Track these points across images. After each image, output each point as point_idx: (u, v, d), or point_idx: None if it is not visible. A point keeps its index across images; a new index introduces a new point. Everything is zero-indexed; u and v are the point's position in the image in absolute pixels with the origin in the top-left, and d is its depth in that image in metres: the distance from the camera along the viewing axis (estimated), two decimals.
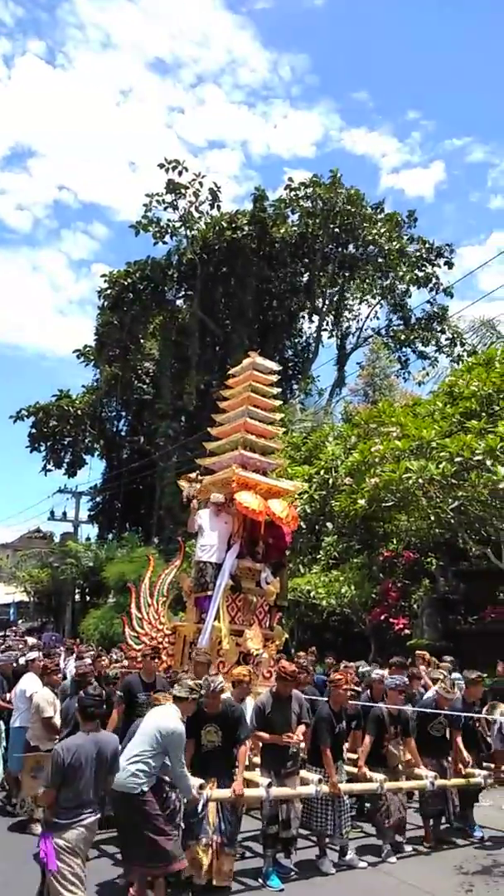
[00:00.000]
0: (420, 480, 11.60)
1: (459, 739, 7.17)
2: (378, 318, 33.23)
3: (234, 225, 29.50)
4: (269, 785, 5.58)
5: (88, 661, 8.60)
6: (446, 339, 30.51)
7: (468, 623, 16.01)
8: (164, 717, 4.98)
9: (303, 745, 6.53)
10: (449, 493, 12.12)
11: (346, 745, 6.80)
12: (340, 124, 70.05)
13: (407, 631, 15.62)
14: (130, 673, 7.16)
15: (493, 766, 7.64)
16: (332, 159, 74.31)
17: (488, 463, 10.79)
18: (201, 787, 5.17)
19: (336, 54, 77.50)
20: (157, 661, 6.72)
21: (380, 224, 30.49)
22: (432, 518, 13.73)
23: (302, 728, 6.24)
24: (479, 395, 12.27)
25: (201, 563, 8.25)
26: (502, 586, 13.93)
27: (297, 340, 35.08)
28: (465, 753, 7.18)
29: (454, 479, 11.49)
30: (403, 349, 31.76)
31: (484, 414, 12.06)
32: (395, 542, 16.69)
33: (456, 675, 8.71)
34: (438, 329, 30.79)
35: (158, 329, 33.02)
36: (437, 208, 72.29)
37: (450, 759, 7.17)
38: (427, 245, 30.82)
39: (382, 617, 15.63)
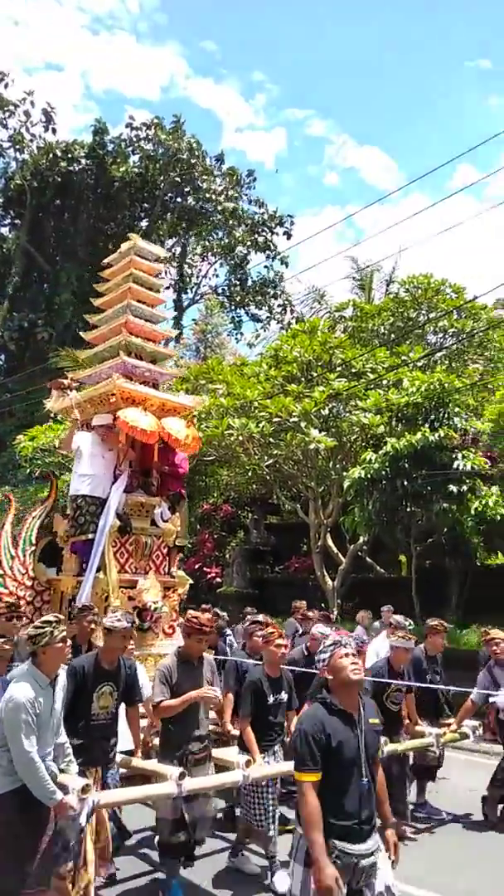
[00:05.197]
0: (241, 437, 12.16)
1: (412, 699, 5.79)
2: (217, 276, 33.47)
3: (69, 155, 27.63)
4: (182, 776, 3.99)
5: None
6: (279, 306, 31.65)
7: (275, 572, 17.31)
8: (10, 685, 3.54)
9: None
10: (266, 450, 12.88)
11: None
12: (187, 71, 67.58)
13: (218, 579, 16.50)
14: None
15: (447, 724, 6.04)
16: (177, 106, 71.61)
17: (303, 425, 11.62)
18: (84, 789, 3.55)
19: None
20: (15, 620, 5.20)
21: (219, 179, 30.43)
22: (250, 474, 14.52)
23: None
24: (300, 361, 13.04)
25: (79, 499, 6.55)
26: (307, 539, 15.19)
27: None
28: (417, 718, 5.84)
29: (272, 438, 12.22)
30: (238, 310, 32.41)
31: (303, 379, 12.88)
32: (215, 495, 17.36)
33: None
34: (272, 294, 31.80)
35: None
36: (276, 176, 73.61)
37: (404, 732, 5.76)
38: (267, 213, 31.40)
39: (197, 566, 16.33)
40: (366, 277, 21.13)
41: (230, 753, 4.74)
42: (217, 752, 4.70)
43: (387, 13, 76.43)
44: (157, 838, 4.40)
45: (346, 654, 2.91)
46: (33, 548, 7.01)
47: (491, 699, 5.88)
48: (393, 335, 15.05)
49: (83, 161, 27.82)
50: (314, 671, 5.65)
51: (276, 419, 11.84)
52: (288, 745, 4.87)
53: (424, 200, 63.44)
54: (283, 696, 4.89)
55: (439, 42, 76.84)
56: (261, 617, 6.35)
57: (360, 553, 14.16)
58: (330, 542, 14.11)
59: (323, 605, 12.55)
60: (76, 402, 6.84)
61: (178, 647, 4.71)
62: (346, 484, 11.58)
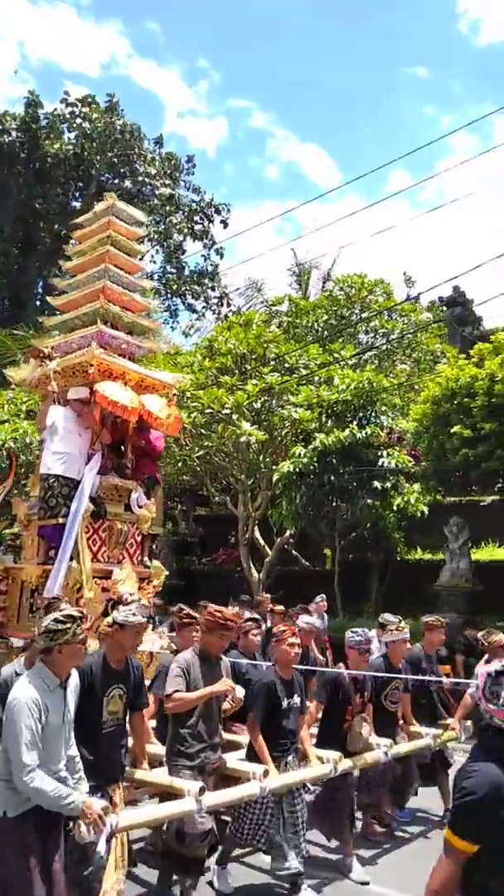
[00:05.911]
0: None
1: (408, 699, 5.57)
2: (154, 263, 32.94)
3: (0, 126, 26.49)
4: (202, 791, 3.65)
5: None
6: (215, 297, 31.49)
7: (201, 564, 17.32)
8: (15, 684, 3.18)
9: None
10: (197, 442, 12.84)
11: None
12: (129, 51, 65.75)
13: None
14: None
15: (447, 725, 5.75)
16: (117, 85, 69.33)
17: (234, 417, 11.66)
18: (105, 810, 3.12)
19: None
20: None
21: (157, 163, 29.96)
22: (181, 464, 14.43)
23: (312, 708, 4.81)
24: (234, 354, 13.06)
25: (51, 479, 5.97)
26: (235, 531, 15.27)
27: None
28: (412, 718, 5.60)
29: (203, 429, 12.20)
30: (174, 298, 32.03)
31: (237, 371, 12.91)
32: None
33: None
34: (209, 285, 31.60)
35: None
36: (217, 166, 72.94)
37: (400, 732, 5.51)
38: (204, 200, 31.14)
39: None
40: (303, 273, 21.38)
41: (237, 762, 4.34)
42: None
43: (330, 12, 77.15)
44: (164, 849, 4.00)
45: None
46: None
47: None
48: (326, 332, 15.31)
49: (14, 133, 26.73)
50: (306, 667, 5.54)
51: (208, 410, 11.82)
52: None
53: (360, 202, 64.67)
54: (296, 699, 4.54)
55: (380, 45, 78.27)
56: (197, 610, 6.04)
57: (286, 546, 14.37)
58: (258, 534, 14.25)
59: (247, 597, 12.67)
60: (50, 374, 6.20)
61: (196, 644, 4.38)
62: (275, 477, 11.72)
